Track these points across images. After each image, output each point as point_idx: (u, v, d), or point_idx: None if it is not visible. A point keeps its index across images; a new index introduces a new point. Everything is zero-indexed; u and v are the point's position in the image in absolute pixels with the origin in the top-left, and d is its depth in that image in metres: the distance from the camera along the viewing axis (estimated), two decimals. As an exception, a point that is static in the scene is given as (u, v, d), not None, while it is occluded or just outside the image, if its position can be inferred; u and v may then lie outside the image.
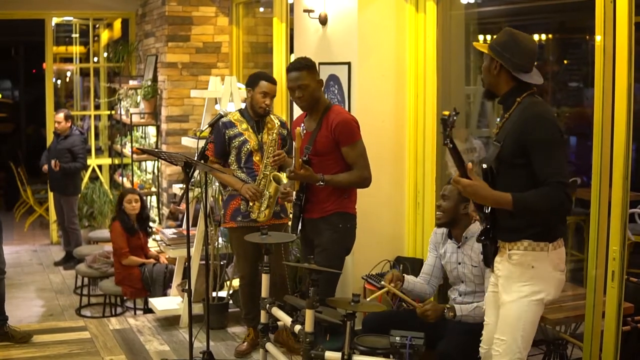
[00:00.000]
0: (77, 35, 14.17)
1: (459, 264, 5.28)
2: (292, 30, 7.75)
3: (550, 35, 11.66)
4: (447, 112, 3.95)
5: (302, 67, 5.80)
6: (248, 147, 6.40)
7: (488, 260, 4.44)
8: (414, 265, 6.41)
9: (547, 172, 4.04)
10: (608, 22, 4.73)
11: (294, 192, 5.94)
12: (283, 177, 6.16)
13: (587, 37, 10.19)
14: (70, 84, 16.64)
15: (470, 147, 7.35)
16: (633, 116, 4.64)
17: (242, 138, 6.43)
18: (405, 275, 5.42)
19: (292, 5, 7.75)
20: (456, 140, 4.00)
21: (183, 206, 9.24)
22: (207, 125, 6.48)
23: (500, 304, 4.35)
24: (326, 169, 5.72)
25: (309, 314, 4.68)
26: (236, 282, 7.74)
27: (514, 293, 4.24)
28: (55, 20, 13.10)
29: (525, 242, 4.21)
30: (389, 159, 6.80)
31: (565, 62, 12.06)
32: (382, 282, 5.33)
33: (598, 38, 4.83)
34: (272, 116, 6.52)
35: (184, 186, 5.73)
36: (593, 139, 4.88)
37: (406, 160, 6.85)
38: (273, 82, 6.46)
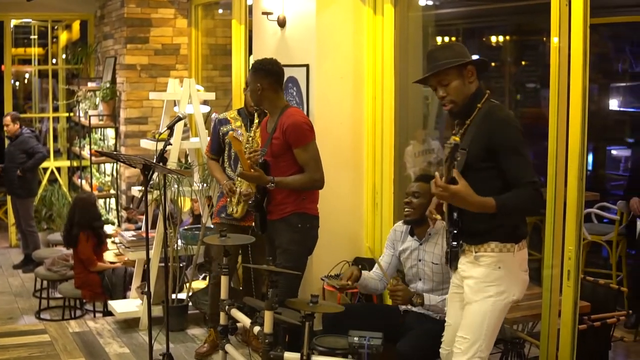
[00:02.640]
0: (36, 37, 14.09)
1: (419, 261, 5.28)
2: (251, 32, 7.75)
3: (507, 37, 11.78)
4: (457, 138, 4.00)
5: (251, 68, 5.94)
6: None
7: (452, 263, 4.43)
8: (372, 266, 6.41)
9: (518, 174, 4.07)
10: (563, 24, 4.79)
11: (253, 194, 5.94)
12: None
13: (544, 38, 10.29)
14: (29, 85, 16.50)
15: (428, 149, 7.36)
16: (588, 117, 4.70)
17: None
18: (363, 272, 5.44)
19: (250, 7, 7.74)
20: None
21: (140, 215, 9.25)
22: (166, 128, 6.45)
23: (465, 304, 4.35)
24: (281, 171, 5.72)
25: (267, 315, 4.69)
26: (195, 284, 7.73)
27: (480, 293, 4.25)
28: (13, 22, 13.01)
29: (492, 244, 4.23)
30: (347, 161, 6.81)
31: (522, 63, 12.17)
32: (342, 282, 5.36)
33: (554, 40, 4.88)
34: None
35: (143, 188, 5.71)
36: (548, 139, 4.94)
37: (364, 161, 6.87)
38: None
